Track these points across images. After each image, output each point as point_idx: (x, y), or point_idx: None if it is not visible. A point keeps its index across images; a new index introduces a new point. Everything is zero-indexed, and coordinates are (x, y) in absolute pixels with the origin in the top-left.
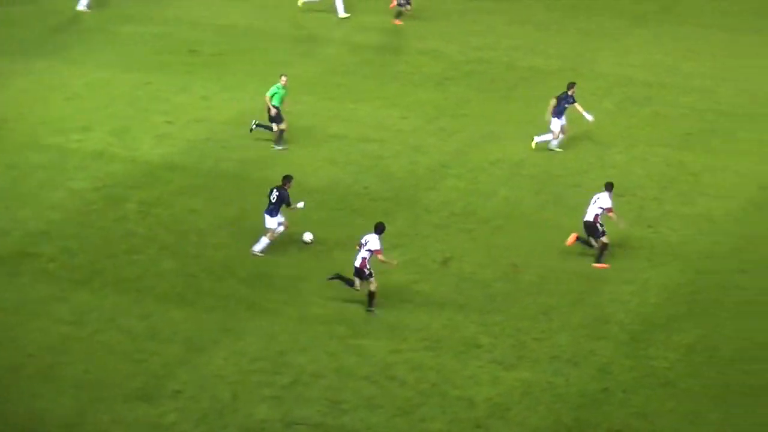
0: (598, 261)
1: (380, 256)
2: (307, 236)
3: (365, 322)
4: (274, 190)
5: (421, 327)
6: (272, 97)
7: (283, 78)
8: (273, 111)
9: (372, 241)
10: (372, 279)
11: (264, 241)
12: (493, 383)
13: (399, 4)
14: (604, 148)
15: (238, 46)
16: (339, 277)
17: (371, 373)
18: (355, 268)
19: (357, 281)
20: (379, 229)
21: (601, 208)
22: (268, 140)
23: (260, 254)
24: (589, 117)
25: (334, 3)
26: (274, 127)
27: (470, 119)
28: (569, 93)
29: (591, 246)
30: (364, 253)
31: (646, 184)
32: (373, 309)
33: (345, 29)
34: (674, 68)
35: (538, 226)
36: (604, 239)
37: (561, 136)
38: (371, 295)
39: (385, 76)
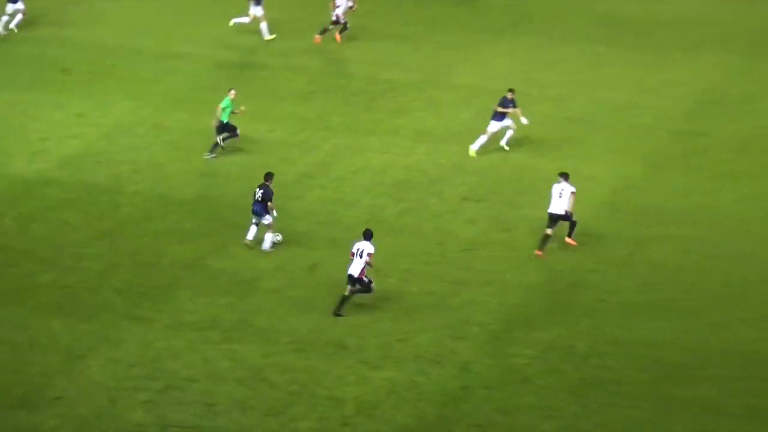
0: (570, 236)
1: (371, 259)
2: (277, 237)
3: (236, 328)
4: (259, 189)
5: (291, 331)
6: (224, 109)
7: (232, 92)
8: (217, 122)
9: (367, 247)
10: (372, 285)
11: (269, 237)
12: (360, 383)
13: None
14: (462, 156)
15: (109, 64)
16: (341, 304)
17: (243, 376)
18: (352, 276)
19: (348, 288)
20: (368, 235)
21: (572, 192)
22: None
23: (271, 250)
24: (525, 120)
25: (259, 27)
26: (219, 137)
27: (333, 131)
28: (509, 97)
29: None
30: (361, 262)
31: (503, 190)
32: (340, 313)
33: (211, 46)
34: (529, 79)
35: (400, 232)
36: (573, 218)
37: (483, 138)
38: (345, 299)
39: (252, 91)
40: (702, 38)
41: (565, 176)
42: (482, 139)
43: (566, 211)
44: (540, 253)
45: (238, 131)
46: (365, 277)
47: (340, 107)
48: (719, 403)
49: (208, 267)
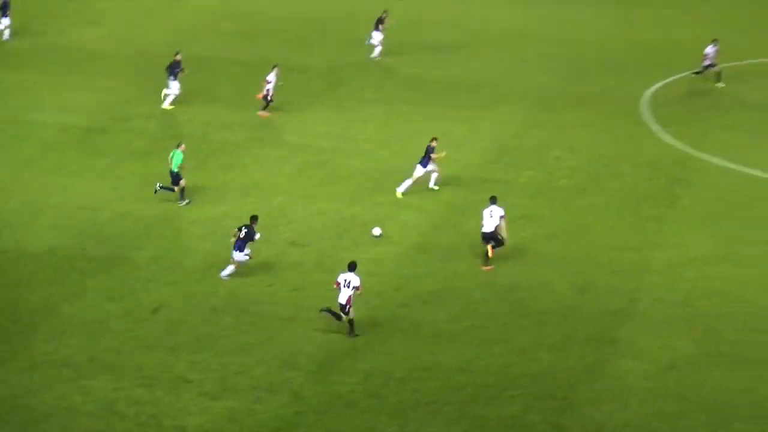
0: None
1: (360, 289)
2: (377, 231)
3: (88, 366)
4: (243, 228)
5: (138, 367)
6: (172, 160)
7: (183, 146)
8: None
9: (353, 279)
10: (351, 313)
11: (230, 268)
12: (202, 412)
13: (266, 98)
14: (288, 205)
15: None
16: (329, 310)
17: (96, 409)
18: (341, 304)
19: (343, 316)
20: (353, 267)
21: (500, 216)
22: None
23: (226, 278)
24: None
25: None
26: (176, 188)
27: None
28: (432, 145)
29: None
30: (349, 291)
31: (325, 235)
32: (355, 333)
33: (55, 112)
34: (344, 136)
35: (234, 276)
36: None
37: (409, 182)
38: (352, 323)
39: (96, 152)
40: (497, 96)
41: (493, 200)
42: (408, 182)
43: (497, 232)
44: (487, 268)
45: (182, 184)
46: (350, 305)
47: None
48: (524, 419)
49: (61, 312)
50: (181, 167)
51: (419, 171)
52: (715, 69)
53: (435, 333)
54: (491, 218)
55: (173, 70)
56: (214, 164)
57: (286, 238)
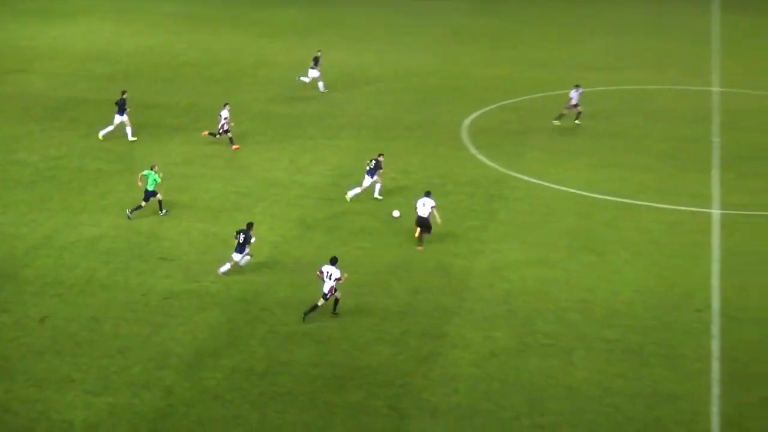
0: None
1: (342, 279)
2: (396, 213)
3: None
4: (241, 233)
5: (27, 370)
6: (148, 179)
7: (156, 167)
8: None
9: (334, 272)
10: (337, 294)
11: (227, 267)
12: (87, 408)
13: (224, 132)
14: (157, 225)
15: None
16: (307, 312)
17: None
18: (324, 293)
19: (321, 301)
20: (334, 260)
21: (432, 207)
22: None
23: (223, 275)
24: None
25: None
26: (144, 204)
27: (53, 212)
28: (380, 160)
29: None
30: (332, 282)
31: (191, 251)
32: (337, 312)
33: None
34: (204, 164)
35: (112, 288)
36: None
37: (357, 190)
38: (337, 302)
39: None
40: (338, 128)
41: (427, 194)
42: (356, 190)
43: (428, 219)
44: (419, 249)
45: (143, 204)
46: (333, 293)
47: (56, 193)
48: (368, 405)
49: None
50: (158, 186)
51: (367, 181)
52: (578, 109)
53: (289, 333)
54: (424, 207)
55: (121, 106)
56: (90, 191)
57: (156, 254)
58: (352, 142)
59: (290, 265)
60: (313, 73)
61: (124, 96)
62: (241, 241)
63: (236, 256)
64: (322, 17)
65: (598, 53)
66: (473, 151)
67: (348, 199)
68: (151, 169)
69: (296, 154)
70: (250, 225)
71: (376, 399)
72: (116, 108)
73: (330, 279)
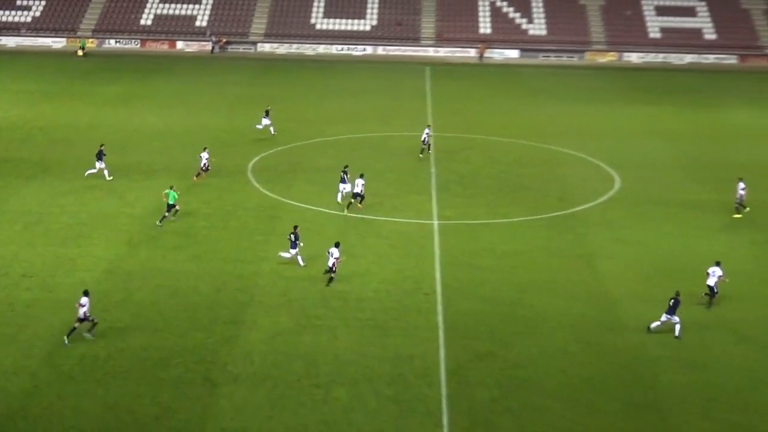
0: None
1: (342, 259)
2: (285, 254)
3: None
4: (292, 234)
5: None
6: (170, 196)
7: (174, 186)
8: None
9: (335, 252)
10: (335, 269)
11: (287, 256)
12: None
13: (206, 169)
14: (19, 250)
15: None
16: (330, 282)
17: None
18: (329, 266)
19: (331, 274)
20: (337, 244)
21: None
22: None
23: (283, 259)
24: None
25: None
26: (168, 213)
27: None
28: (346, 170)
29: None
30: (333, 259)
31: (45, 269)
32: (329, 285)
33: None
34: (53, 203)
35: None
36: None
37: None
38: (332, 279)
39: None
40: (154, 171)
41: (361, 175)
42: (339, 196)
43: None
44: (359, 207)
45: (167, 214)
46: (335, 267)
47: None
48: (186, 377)
49: None
50: (176, 200)
51: (346, 187)
52: (425, 148)
53: (124, 327)
54: (357, 187)
55: (100, 155)
56: None
57: (19, 272)
58: (166, 181)
59: (122, 275)
60: (266, 121)
61: (102, 148)
62: (293, 240)
63: (292, 251)
64: (138, 91)
65: (345, 110)
66: (256, 184)
67: (339, 202)
68: (171, 189)
69: (124, 193)
70: (296, 227)
71: (193, 373)
72: (96, 157)
73: (332, 257)
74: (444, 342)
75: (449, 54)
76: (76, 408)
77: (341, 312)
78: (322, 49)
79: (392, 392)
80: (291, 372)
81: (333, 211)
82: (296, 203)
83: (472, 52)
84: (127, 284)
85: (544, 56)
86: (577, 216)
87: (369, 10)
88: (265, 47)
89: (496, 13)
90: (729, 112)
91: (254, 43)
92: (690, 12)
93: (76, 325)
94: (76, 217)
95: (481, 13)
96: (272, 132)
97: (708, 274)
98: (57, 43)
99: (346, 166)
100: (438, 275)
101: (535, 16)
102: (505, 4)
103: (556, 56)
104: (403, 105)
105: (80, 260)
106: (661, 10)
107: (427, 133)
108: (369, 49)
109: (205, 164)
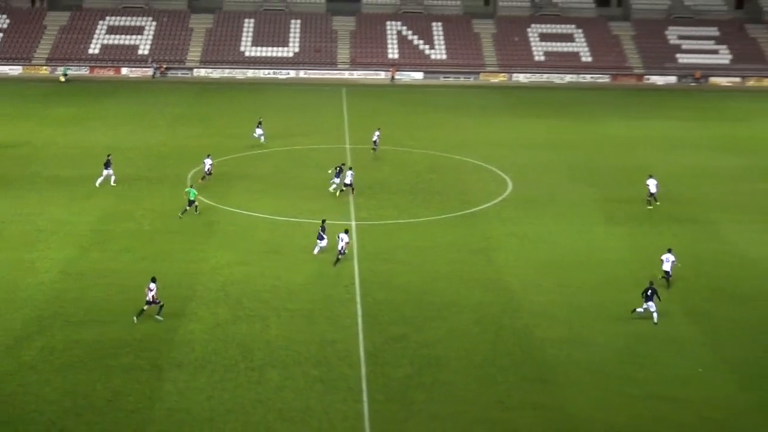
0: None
1: (348, 242)
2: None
3: None
4: (321, 229)
5: None
6: (189, 193)
7: (193, 185)
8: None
9: (345, 237)
10: (345, 252)
11: (318, 249)
12: None
13: (209, 174)
14: None
15: None
16: (336, 261)
17: None
18: (339, 250)
19: (340, 255)
20: (347, 231)
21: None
22: None
23: (316, 254)
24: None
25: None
26: (189, 207)
27: None
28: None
29: None
30: (342, 243)
31: (7, 272)
32: (335, 266)
33: None
34: (12, 212)
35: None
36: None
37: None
38: (338, 261)
39: None
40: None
41: (347, 166)
42: (335, 187)
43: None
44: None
45: (188, 208)
46: (344, 250)
47: None
48: (135, 364)
49: None
50: (196, 197)
51: (337, 179)
52: (375, 148)
53: (79, 321)
54: (347, 178)
55: (107, 164)
56: None
57: None
58: (115, 189)
59: (76, 275)
60: (259, 131)
61: (109, 158)
62: (321, 233)
63: (322, 242)
64: (90, 112)
65: (276, 126)
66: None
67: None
68: (191, 187)
69: (76, 202)
70: (324, 221)
71: (141, 360)
72: (104, 166)
73: (342, 241)
74: (362, 327)
75: (363, 76)
76: (37, 395)
77: (272, 303)
78: (251, 73)
79: (318, 373)
80: (228, 357)
81: (261, 215)
82: (230, 208)
83: (382, 74)
84: (80, 283)
85: (444, 77)
86: (477, 215)
87: (291, 39)
88: (201, 72)
89: (402, 40)
90: (604, 123)
91: (191, 68)
92: (569, 38)
93: (145, 307)
94: (34, 225)
95: (389, 41)
96: (263, 141)
97: (662, 260)
98: (14, 70)
99: (342, 164)
100: (357, 269)
101: (436, 42)
102: (410, 32)
103: (455, 77)
104: (324, 121)
105: (38, 263)
106: (545, 37)
107: (377, 135)
108: (292, 73)
109: (208, 169)
